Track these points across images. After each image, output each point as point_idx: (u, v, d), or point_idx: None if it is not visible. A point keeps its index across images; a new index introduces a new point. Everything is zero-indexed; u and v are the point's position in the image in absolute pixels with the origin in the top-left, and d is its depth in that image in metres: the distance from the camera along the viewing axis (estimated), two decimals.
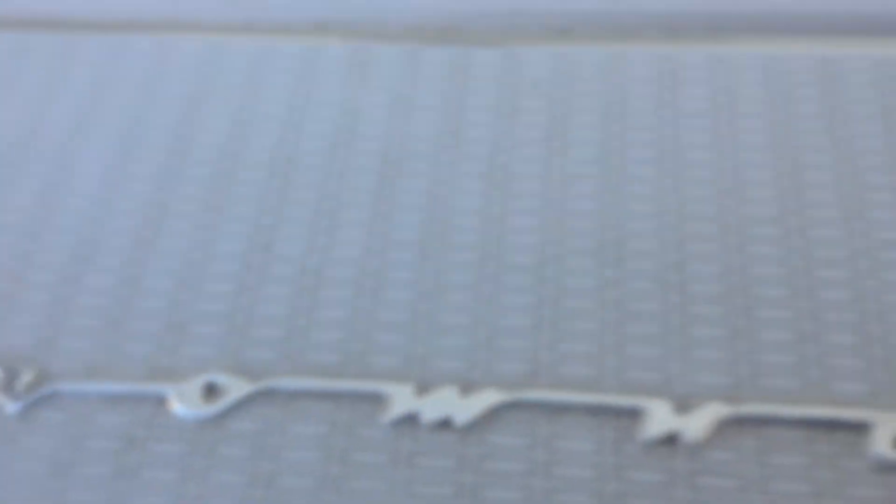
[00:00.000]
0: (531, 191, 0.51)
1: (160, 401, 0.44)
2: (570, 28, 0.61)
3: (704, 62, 0.57)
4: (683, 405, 0.42)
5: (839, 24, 0.58)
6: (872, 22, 0.58)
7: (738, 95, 0.55)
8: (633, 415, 0.42)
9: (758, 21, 0.59)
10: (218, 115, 0.56)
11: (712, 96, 0.55)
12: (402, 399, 0.43)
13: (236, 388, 0.44)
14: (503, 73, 0.58)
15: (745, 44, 0.58)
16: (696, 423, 0.42)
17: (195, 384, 0.44)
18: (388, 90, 0.57)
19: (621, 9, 0.61)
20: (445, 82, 0.57)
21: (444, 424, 0.42)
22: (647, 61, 0.57)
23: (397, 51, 0.60)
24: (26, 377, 0.45)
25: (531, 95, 0.56)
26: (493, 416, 0.43)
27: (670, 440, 0.41)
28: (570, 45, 0.60)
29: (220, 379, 0.45)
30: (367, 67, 0.59)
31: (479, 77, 0.58)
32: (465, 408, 0.43)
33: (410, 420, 0.43)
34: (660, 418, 0.42)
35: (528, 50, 0.59)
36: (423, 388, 0.44)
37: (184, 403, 0.44)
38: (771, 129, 0.53)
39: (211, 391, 0.44)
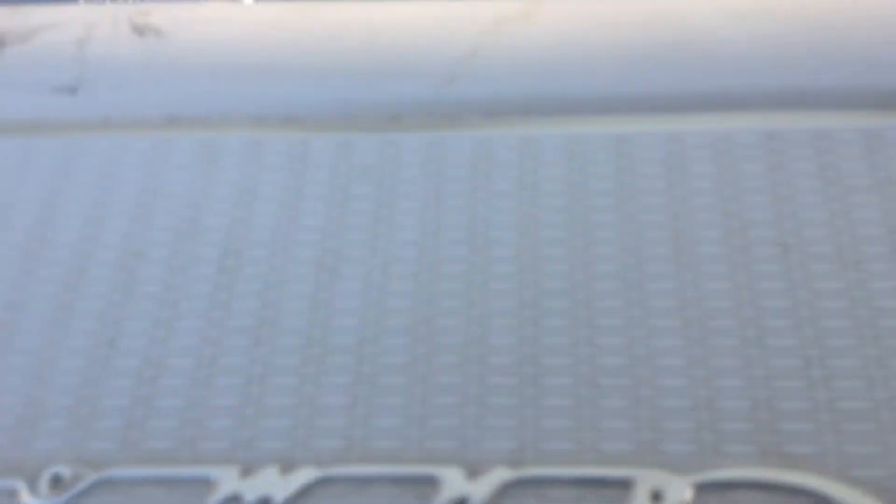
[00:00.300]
0: (356, 274, 0.58)
1: (12, 493, 0.50)
2: (398, 115, 0.67)
3: (515, 144, 0.64)
4: (474, 471, 0.49)
5: (633, 104, 0.66)
6: (664, 101, 0.66)
7: (542, 175, 0.62)
8: (431, 482, 0.49)
9: (560, 104, 0.66)
10: (72, 213, 0.62)
11: (520, 177, 0.62)
12: (226, 482, 0.49)
13: (80, 479, 0.50)
14: (337, 161, 0.64)
15: (550, 126, 0.65)
16: (484, 488, 0.49)
17: (43, 476, 0.50)
18: (231, 181, 0.63)
19: (445, 96, 0.67)
20: (284, 171, 0.63)
21: None
22: (465, 146, 0.64)
23: (241, 141, 0.65)
24: None
25: (361, 182, 0.63)
26: (309, 492, 0.49)
27: None
28: (398, 132, 0.66)
29: (66, 471, 0.50)
30: (212, 159, 0.64)
31: (315, 165, 0.64)
32: (283, 487, 0.49)
33: (235, 501, 0.49)
34: (452, 485, 0.49)
35: (360, 137, 0.65)
36: (247, 470, 0.50)
37: (33, 496, 0.50)
38: (569, 206, 0.60)
39: (57, 483, 0.50)
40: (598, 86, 0.66)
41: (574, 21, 0.70)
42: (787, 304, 0.54)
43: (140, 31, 0.71)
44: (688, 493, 0.48)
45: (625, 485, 0.48)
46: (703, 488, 0.48)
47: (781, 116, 0.63)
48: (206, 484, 0.50)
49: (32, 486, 0.50)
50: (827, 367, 0.51)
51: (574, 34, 0.69)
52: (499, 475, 0.48)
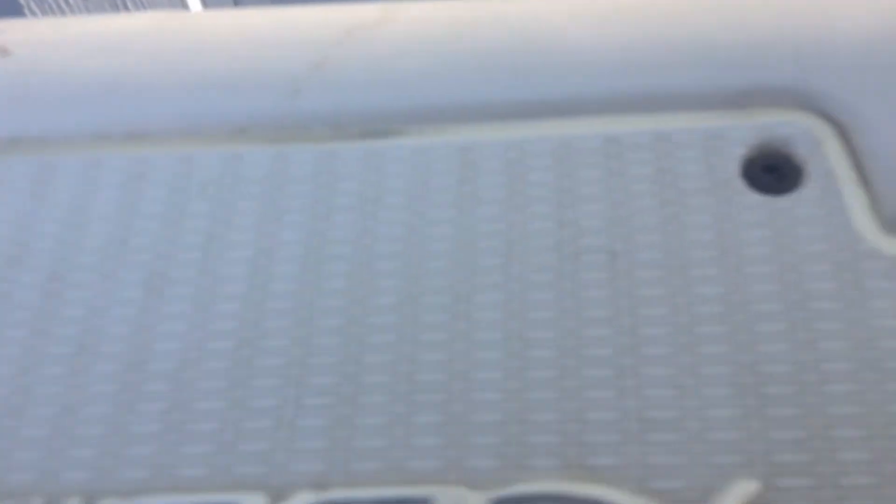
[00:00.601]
0: (182, 295, 0.57)
1: None
2: (245, 128, 0.66)
3: (360, 157, 0.63)
4: (278, 496, 0.49)
5: (478, 112, 0.65)
6: (507, 108, 0.65)
7: (383, 188, 0.62)
8: None
9: (406, 115, 0.66)
10: None
11: (361, 190, 0.61)
12: None
13: None
14: (175, 178, 0.63)
15: (394, 138, 0.65)
16: None
17: None
18: (65, 203, 0.62)
19: (291, 108, 0.67)
20: (121, 190, 0.62)
21: None
22: (308, 160, 0.63)
23: (79, 161, 0.65)
24: None
25: (199, 198, 0.62)
26: None
27: None
28: (242, 144, 0.65)
29: None
30: (49, 181, 0.64)
31: (154, 182, 0.63)
32: None
33: None
34: None
35: (203, 152, 0.64)
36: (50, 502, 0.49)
37: None
38: (408, 219, 0.60)
39: None
40: (444, 95, 0.66)
41: (426, 28, 0.69)
42: (608, 312, 0.54)
43: None
44: None
45: (426, 503, 0.47)
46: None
47: (622, 120, 0.63)
48: None
49: None
50: (640, 375, 0.51)
51: (425, 42, 0.68)
52: (302, 499, 0.48)
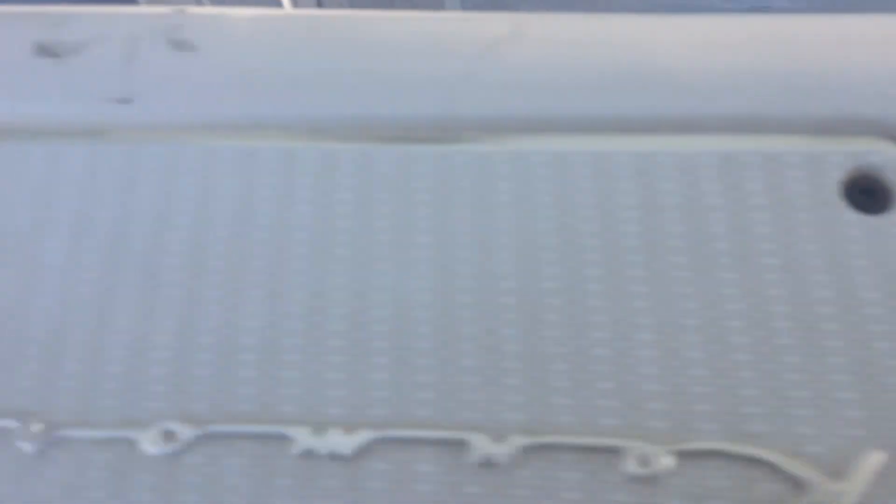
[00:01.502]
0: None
1: (132, 443, 0.64)
2: (413, 127, 0.76)
3: (507, 159, 0.74)
4: (497, 437, 0.63)
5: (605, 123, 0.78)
6: (633, 122, 0.78)
7: (534, 189, 0.73)
8: (463, 444, 0.63)
9: (545, 122, 0.77)
10: (139, 215, 0.73)
11: (517, 189, 0.74)
12: (301, 439, 0.64)
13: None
14: (358, 169, 0.74)
15: (537, 143, 0.75)
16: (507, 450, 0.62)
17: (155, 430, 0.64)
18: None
19: (448, 112, 0.77)
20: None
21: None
22: (466, 160, 0.75)
23: (276, 151, 0.75)
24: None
25: (381, 191, 0.73)
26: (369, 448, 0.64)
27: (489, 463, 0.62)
28: (411, 144, 0.75)
29: (174, 427, 0.64)
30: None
31: (343, 174, 0.74)
32: (349, 443, 0.64)
33: (309, 454, 0.64)
34: (481, 447, 0.63)
35: (377, 147, 0.74)
36: (316, 430, 0.64)
37: (152, 446, 0.64)
38: (556, 217, 0.72)
39: (169, 436, 0.64)
40: (578, 106, 0.77)
41: (554, 41, 0.80)
42: (742, 306, 0.67)
43: (178, 45, 0.80)
44: (666, 460, 0.61)
45: (614, 452, 0.62)
46: (680, 455, 0.61)
47: (736, 140, 0.75)
48: (284, 439, 0.62)
49: (149, 438, 0.63)
50: (777, 361, 0.65)
51: (555, 55, 0.80)
52: (518, 441, 0.62)
